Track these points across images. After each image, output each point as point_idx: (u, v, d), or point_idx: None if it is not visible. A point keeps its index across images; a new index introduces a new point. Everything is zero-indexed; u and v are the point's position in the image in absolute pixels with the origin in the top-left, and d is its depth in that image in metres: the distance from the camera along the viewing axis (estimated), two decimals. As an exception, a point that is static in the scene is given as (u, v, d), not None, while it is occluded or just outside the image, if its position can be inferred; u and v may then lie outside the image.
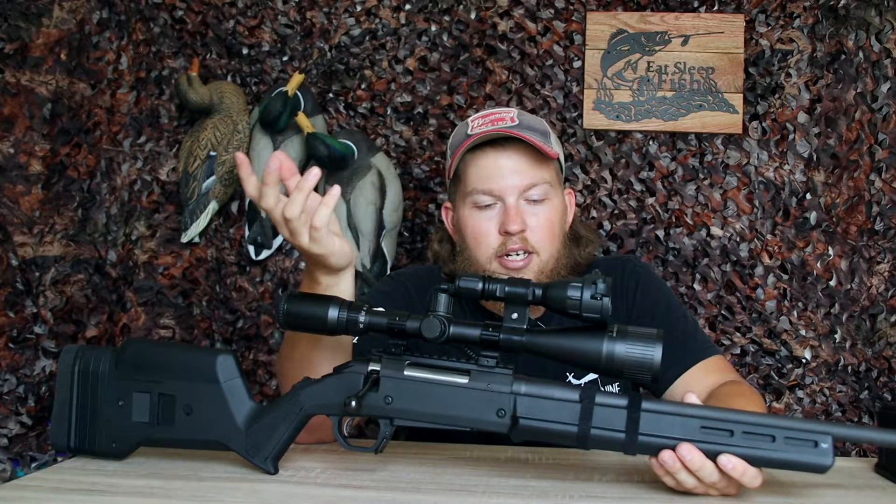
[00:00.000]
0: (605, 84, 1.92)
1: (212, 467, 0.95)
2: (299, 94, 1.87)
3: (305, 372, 0.95)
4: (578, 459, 1.02)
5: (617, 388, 1.27)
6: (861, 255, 1.86)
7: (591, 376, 1.25)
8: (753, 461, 0.83)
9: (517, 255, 1.22)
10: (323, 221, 0.92)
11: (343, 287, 1.01)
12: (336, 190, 0.94)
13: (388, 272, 1.85)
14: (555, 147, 1.26)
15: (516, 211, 1.22)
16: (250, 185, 0.94)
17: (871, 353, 1.85)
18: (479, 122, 1.26)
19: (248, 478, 0.91)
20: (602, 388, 1.25)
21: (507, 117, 1.26)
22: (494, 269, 1.23)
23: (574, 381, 1.24)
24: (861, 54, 1.87)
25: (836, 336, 1.86)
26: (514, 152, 1.23)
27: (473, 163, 1.25)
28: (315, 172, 0.92)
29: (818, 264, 1.87)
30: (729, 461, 0.82)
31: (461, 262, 1.28)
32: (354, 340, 1.19)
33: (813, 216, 1.87)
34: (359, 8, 1.97)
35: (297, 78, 1.84)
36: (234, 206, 1.98)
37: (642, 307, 1.29)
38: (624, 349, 0.83)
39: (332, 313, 0.90)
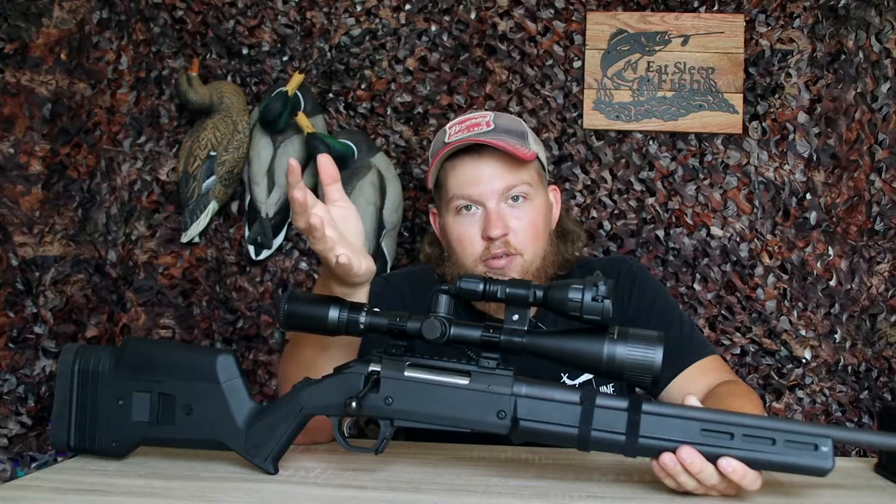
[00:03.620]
0: (605, 84, 1.92)
1: (212, 467, 0.95)
2: (299, 94, 1.87)
3: (309, 374, 0.95)
4: (578, 459, 1.02)
5: (612, 388, 1.27)
6: (861, 255, 1.86)
7: (586, 376, 1.25)
8: (753, 464, 0.83)
9: (501, 259, 1.22)
10: (314, 221, 0.89)
11: (357, 299, 1.00)
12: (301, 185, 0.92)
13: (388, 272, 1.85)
14: (533, 147, 1.26)
15: (497, 216, 1.21)
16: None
17: (871, 353, 1.85)
18: (455, 129, 1.26)
19: (248, 478, 0.91)
20: (597, 389, 1.26)
21: (482, 122, 1.25)
22: (481, 272, 1.23)
23: (569, 382, 1.25)
24: (861, 54, 1.87)
25: (836, 336, 1.86)
26: (490, 157, 1.23)
27: (452, 170, 1.25)
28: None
29: (818, 264, 1.87)
30: (729, 464, 0.82)
31: (449, 265, 1.29)
32: None
33: (813, 216, 1.87)
34: (359, 8, 1.97)
35: (297, 78, 1.84)
36: (234, 206, 1.98)
37: (638, 308, 1.29)
38: (625, 351, 0.83)
39: (333, 313, 0.90)
